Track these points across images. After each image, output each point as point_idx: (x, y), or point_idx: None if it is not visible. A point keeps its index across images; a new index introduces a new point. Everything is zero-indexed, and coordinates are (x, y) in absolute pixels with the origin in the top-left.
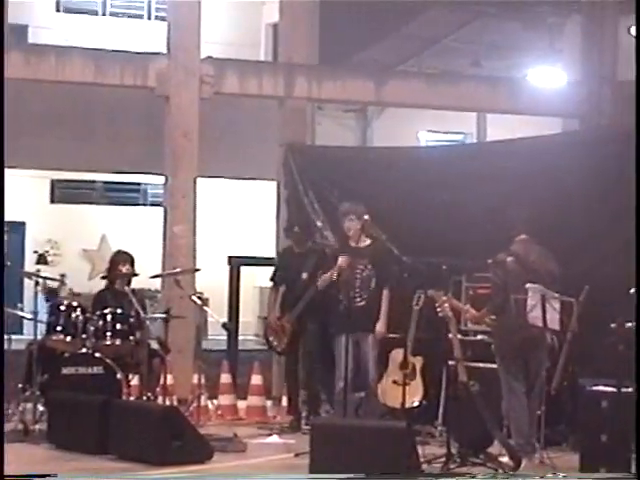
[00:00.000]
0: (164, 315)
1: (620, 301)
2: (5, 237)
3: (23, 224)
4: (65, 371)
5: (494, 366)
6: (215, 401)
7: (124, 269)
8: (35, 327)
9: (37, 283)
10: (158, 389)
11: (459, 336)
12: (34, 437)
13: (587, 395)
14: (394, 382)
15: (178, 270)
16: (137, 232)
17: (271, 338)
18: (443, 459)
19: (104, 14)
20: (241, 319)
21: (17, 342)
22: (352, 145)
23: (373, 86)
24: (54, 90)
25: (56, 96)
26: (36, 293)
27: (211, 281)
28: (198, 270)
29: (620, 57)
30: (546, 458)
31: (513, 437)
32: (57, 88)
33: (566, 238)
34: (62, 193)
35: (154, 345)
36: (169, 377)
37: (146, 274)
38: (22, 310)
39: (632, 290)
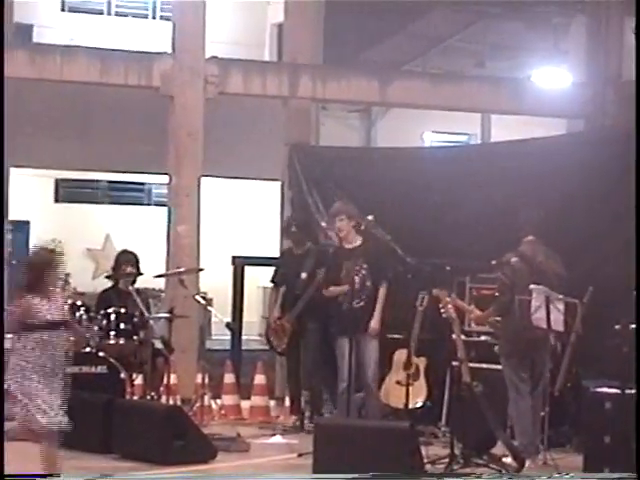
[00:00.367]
0: (168, 315)
1: (623, 302)
2: (10, 236)
3: (27, 223)
4: (69, 370)
5: (498, 367)
6: (218, 401)
7: (128, 269)
8: None
9: None
10: (162, 389)
11: (463, 337)
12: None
13: (591, 396)
14: (398, 382)
15: (182, 270)
16: (141, 231)
17: (272, 338)
18: (446, 460)
19: (109, 14)
20: (245, 319)
21: None
22: (356, 145)
23: (377, 86)
24: (59, 89)
25: (61, 95)
26: None
27: (215, 281)
28: (202, 270)
29: (625, 58)
30: (550, 459)
31: (517, 438)
32: (62, 87)
33: (570, 239)
34: (66, 192)
35: (158, 345)
36: (173, 377)
37: (150, 274)
38: None
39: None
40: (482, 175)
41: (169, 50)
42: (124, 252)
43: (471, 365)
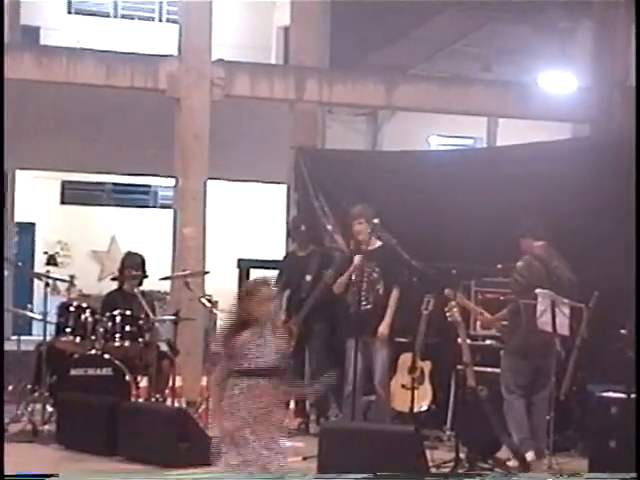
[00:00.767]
0: (173, 317)
1: (629, 307)
2: (15, 238)
3: (33, 225)
4: (74, 372)
5: None
6: None
7: (134, 271)
8: (44, 328)
9: (47, 284)
10: (167, 391)
11: (468, 341)
12: (43, 438)
13: (596, 401)
14: (403, 386)
15: (188, 272)
16: (147, 234)
17: None
18: (452, 464)
19: (115, 16)
20: None
21: (26, 343)
22: (362, 149)
23: (384, 90)
24: (65, 91)
25: (67, 97)
26: (46, 294)
27: (220, 283)
28: (207, 272)
29: (631, 62)
30: (555, 463)
31: (514, 434)
32: (68, 89)
33: (576, 243)
34: (72, 194)
35: (163, 347)
36: (178, 379)
37: (156, 276)
38: (31, 311)
39: None
40: (488, 179)
41: (175, 53)
42: (130, 254)
43: (476, 369)
